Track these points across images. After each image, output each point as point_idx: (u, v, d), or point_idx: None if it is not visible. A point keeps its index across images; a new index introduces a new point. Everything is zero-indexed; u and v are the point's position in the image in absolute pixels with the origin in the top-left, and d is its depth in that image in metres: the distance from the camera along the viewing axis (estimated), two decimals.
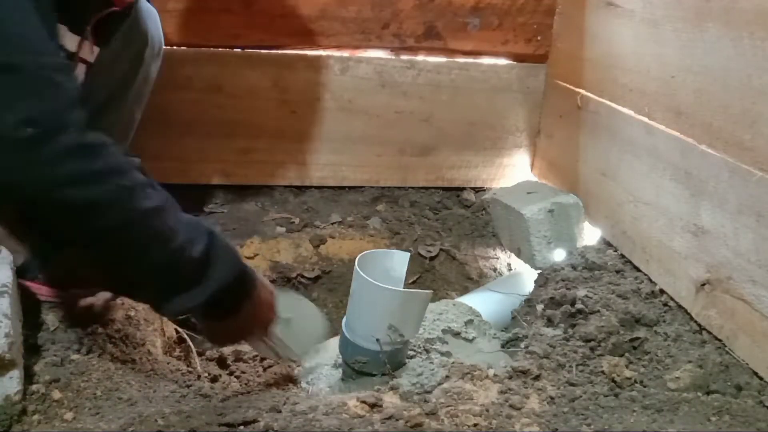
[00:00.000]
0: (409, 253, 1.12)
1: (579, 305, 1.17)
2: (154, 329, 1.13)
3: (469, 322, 1.24)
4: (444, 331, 1.19)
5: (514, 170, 1.76)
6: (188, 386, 1.01)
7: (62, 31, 0.86)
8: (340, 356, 1.11)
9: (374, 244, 1.53)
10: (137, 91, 1.21)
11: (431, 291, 1.07)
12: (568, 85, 1.56)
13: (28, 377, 0.88)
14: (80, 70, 1.01)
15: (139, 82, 1.20)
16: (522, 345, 1.17)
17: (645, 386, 1.01)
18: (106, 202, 0.71)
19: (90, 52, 1.03)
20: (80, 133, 0.70)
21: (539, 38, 1.65)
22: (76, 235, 0.73)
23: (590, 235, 1.48)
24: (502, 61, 1.67)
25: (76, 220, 0.71)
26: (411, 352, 1.12)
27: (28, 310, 0.95)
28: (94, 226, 0.72)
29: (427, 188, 1.74)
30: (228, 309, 0.88)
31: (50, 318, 1.00)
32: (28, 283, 1.02)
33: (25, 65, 0.69)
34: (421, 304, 1.05)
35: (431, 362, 1.06)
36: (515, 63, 1.68)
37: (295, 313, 1.24)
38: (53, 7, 0.76)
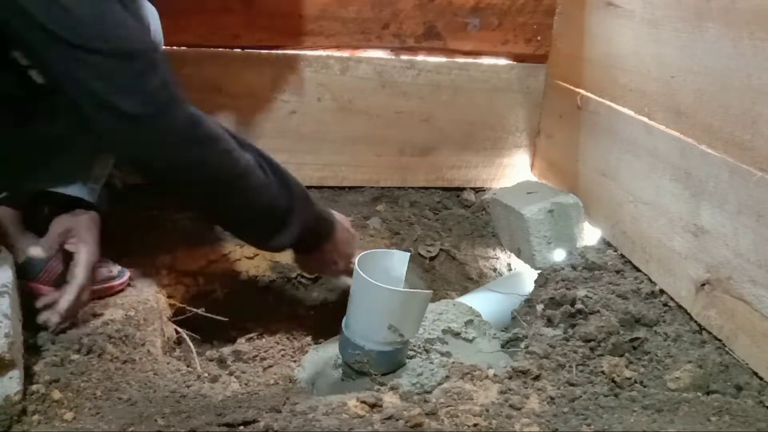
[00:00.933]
0: (409, 253, 1.12)
1: (579, 305, 1.17)
2: (154, 329, 1.13)
3: (469, 322, 1.24)
4: (444, 331, 1.19)
5: (514, 170, 1.76)
6: (188, 386, 1.01)
7: None
8: (340, 356, 1.11)
9: (374, 244, 1.53)
10: None
11: (431, 291, 1.07)
12: (568, 86, 1.56)
13: (28, 377, 0.88)
14: None
15: None
16: (522, 345, 1.17)
17: (645, 386, 1.01)
18: (214, 161, 0.90)
19: None
20: (185, 106, 0.87)
21: (539, 38, 1.65)
22: (193, 188, 0.92)
23: (590, 235, 1.48)
24: (502, 61, 1.67)
25: (193, 175, 0.89)
26: (411, 352, 1.12)
27: (28, 310, 0.95)
28: (204, 181, 0.91)
29: (427, 188, 1.74)
30: (311, 246, 1.11)
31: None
32: (28, 284, 1.02)
33: (138, 52, 0.83)
34: (421, 303, 1.05)
35: (431, 362, 1.06)
36: (515, 63, 1.68)
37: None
38: None
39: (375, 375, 1.05)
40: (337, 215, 1.18)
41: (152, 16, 1.18)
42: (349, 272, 1.14)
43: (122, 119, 0.82)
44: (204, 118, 0.91)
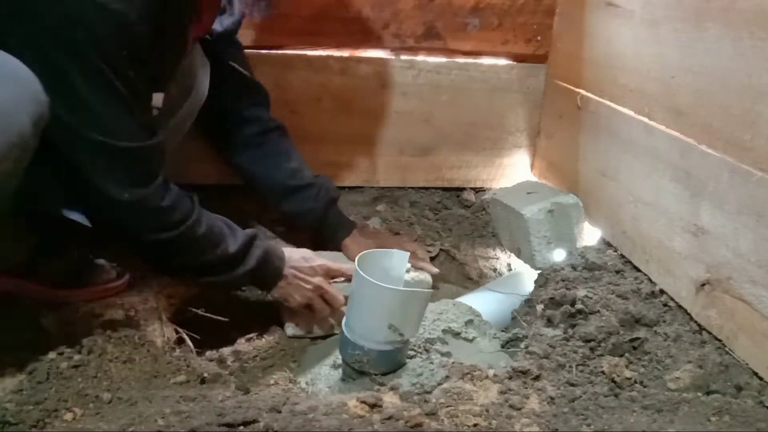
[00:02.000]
0: (408, 253, 1.12)
1: (579, 305, 1.17)
2: (154, 329, 1.13)
3: (469, 322, 1.24)
4: (444, 331, 1.19)
5: (514, 170, 1.76)
6: (188, 386, 1.01)
7: (155, 98, 1.08)
8: (340, 356, 1.11)
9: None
10: (183, 127, 1.33)
11: (431, 290, 1.07)
12: (568, 86, 1.56)
13: (29, 377, 0.88)
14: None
15: (185, 119, 1.32)
16: (522, 345, 1.17)
17: (645, 386, 1.01)
18: (179, 239, 1.07)
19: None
20: (161, 197, 1.03)
21: (539, 38, 1.65)
22: (162, 253, 1.10)
23: (590, 235, 1.48)
24: (502, 62, 1.67)
25: (161, 249, 1.08)
26: (411, 352, 1.12)
27: (29, 310, 0.95)
28: (170, 252, 1.09)
29: (426, 188, 1.74)
30: (264, 285, 1.24)
31: (50, 318, 1.00)
32: (28, 284, 1.02)
33: (122, 149, 0.97)
34: (421, 303, 1.05)
35: (431, 362, 1.06)
36: (515, 63, 1.68)
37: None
38: (146, 85, 1.00)
39: (375, 375, 1.05)
40: (292, 251, 1.28)
41: (206, 68, 1.32)
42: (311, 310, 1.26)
43: (105, 198, 0.99)
44: (180, 206, 1.06)
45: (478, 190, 1.77)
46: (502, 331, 1.31)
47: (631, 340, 1.08)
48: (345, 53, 1.59)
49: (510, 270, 1.62)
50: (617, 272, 1.29)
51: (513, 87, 1.68)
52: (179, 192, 1.08)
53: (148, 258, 1.15)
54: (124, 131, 0.97)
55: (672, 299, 1.18)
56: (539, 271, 1.42)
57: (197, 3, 1.07)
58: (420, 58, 1.62)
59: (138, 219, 1.04)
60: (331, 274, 1.29)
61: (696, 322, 1.11)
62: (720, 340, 1.06)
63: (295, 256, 1.26)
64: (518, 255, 1.54)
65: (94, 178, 0.98)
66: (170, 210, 1.05)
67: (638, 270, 1.28)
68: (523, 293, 1.41)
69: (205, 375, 1.10)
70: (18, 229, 1.06)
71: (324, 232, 1.45)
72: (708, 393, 0.98)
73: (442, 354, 1.12)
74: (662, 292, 1.20)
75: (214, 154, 1.58)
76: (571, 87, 1.54)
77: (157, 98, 1.10)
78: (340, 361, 1.13)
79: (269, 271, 1.21)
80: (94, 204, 1.04)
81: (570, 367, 1.05)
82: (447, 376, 1.02)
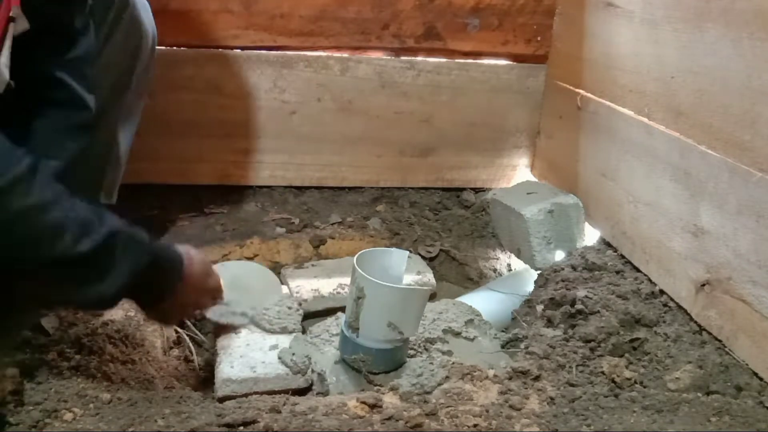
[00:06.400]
0: (407, 252, 1.12)
1: (579, 306, 1.17)
2: (154, 329, 1.13)
3: (470, 321, 1.24)
4: (445, 331, 1.19)
5: (514, 171, 1.76)
6: (188, 386, 1.01)
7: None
8: (340, 354, 1.11)
9: (374, 245, 1.53)
10: (138, 82, 1.22)
11: (430, 288, 1.07)
12: (567, 86, 1.56)
13: (29, 377, 0.88)
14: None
15: (139, 73, 1.22)
16: (522, 345, 1.17)
17: (645, 387, 1.01)
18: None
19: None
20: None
21: (539, 39, 1.65)
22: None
23: (590, 235, 1.48)
24: (502, 62, 1.67)
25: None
26: (411, 352, 1.12)
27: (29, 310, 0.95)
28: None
29: (426, 189, 1.74)
30: (158, 295, 0.92)
31: (50, 318, 1.00)
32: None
33: None
34: (421, 301, 1.05)
35: (431, 362, 1.06)
36: (515, 63, 1.68)
37: (241, 275, 1.25)
38: None
39: (376, 374, 1.05)
40: (184, 248, 0.99)
41: (146, 7, 1.19)
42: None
43: None
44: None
45: (478, 191, 1.76)
46: (502, 331, 1.31)
47: (631, 341, 1.08)
48: (345, 53, 1.59)
49: (510, 270, 1.62)
50: (617, 272, 1.29)
51: (513, 87, 1.68)
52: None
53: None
54: None
55: (672, 299, 1.18)
56: (539, 272, 1.42)
57: None
58: (420, 58, 1.62)
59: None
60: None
61: (696, 322, 1.11)
62: (720, 341, 1.06)
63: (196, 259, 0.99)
64: (518, 255, 1.54)
65: None
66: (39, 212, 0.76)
67: (638, 270, 1.28)
68: (523, 293, 1.41)
69: (205, 375, 1.10)
70: None
71: None
72: (708, 393, 0.98)
73: (443, 353, 1.12)
74: (662, 292, 1.20)
75: (214, 154, 1.58)
76: (571, 87, 1.54)
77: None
78: (338, 359, 1.12)
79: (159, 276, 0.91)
80: None
81: (570, 367, 1.05)
82: (447, 377, 1.02)
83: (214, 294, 1.08)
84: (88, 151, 1.02)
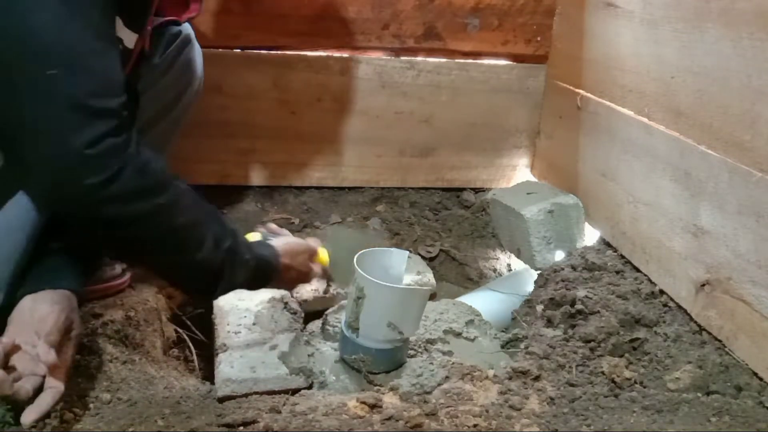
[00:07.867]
0: (407, 252, 1.12)
1: (579, 306, 1.17)
2: (154, 329, 1.13)
3: (470, 321, 1.24)
4: (445, 332, 1.19)
5: (513, 171, 1.76)
6: (188, 386, 1.01)
7: (119, 24, 0.90)
8: (340, 354, 1.11)
9: (374, 245, 1.53)
10: (175, 118, 1.25)
11: (430, 288, 1.07)
12: (567, 86, 1.56)
13: None
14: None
15: (179, 111, 1.25)
16: (522, 345, 1.17)
17: (645, 387, 1.01)
18: (146, 217, 0.82)
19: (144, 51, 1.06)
20: (135, 151, 0.80)
21: (539, 39, 1.65)
22: (125, 241, 0.86)
23: (590, 235, 1.48)
24: (502, 62, 1.67)
25: (123, 230, 0.82)
26: (411, 352, 1.12)
27: None
28: (136, 237, 0.84)
29: (426, 189, 1.74)
30: (262, 284, 1.04)
31: None
32: None
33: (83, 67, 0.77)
34: (421, 301, 1.05)
35: (431, 363, 1.06)
36: (515, 63, 1.68)
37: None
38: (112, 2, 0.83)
39: (376, 373, 1.05)
40: (280, 241, 1.09)
41: (199, 53, 1.26)
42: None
43: (57, 148, 0.76)
44: (151, 171, 0.83)
45: (478, 191, 1.76)
46: (502, 331, 1.31)
47: (631, 341, 1.08)
48: (345, 53, 1.59)
49: (510, 270, 1.62)
50: (617, 273, 1.29)
51: (513, 87, 1.68)
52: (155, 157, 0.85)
53: (106, 243, 0.91)
54: (85, 51, 0.77)
55: (672, 299, 1.18)
56: (539, 272, 1.42)
57: None
58: (420, 58, 1.62)
59: (96, 175, 0.76)
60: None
61: (696, 322, 1.11)
62: (720, 341, 1.06)
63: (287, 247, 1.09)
64: (518, 255, 1.54)
65: (43, 121, 0.76)
66: (144, 171, 0.81)
67: (638, 270, 1.29)
68: (523, 293, 1.41)
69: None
70: None
71: None
72: (708, 393, 0.98)
73: (443, 353, 1.12)
74: (662, 292, 1.20)
75: (214, 154, 1.58)
76: (571, 87, 1.54)
77: (130, 39, 0.96)
78: (338, 358, 1.13)
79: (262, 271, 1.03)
80: (39, 165, 0.78)
81: (570, 367, 1.05)
82: (447, 377, 1.02)
83: (305, 280, 1.15)
84: None
